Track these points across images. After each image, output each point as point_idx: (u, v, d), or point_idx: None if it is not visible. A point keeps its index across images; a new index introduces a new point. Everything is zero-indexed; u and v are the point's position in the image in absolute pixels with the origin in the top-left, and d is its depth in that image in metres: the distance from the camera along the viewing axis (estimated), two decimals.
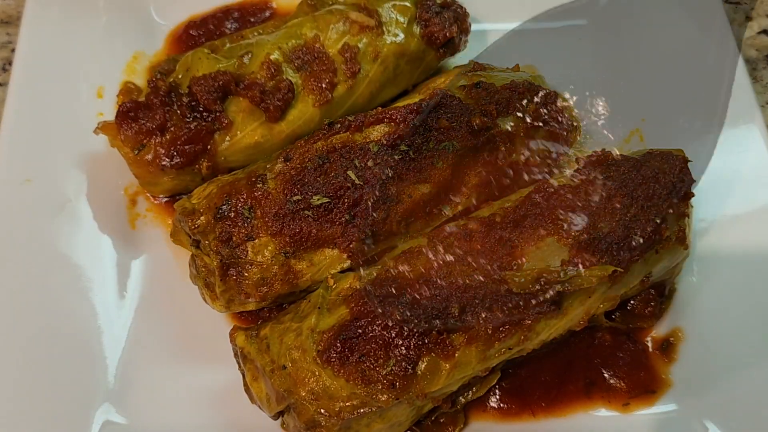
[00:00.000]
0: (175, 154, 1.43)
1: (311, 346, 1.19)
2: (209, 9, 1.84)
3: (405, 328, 1.18)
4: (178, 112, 1.45)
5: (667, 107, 1.68)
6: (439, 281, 1.21)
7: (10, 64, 1.76)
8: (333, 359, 1.17)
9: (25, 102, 1.56)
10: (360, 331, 1.19)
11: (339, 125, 1.42)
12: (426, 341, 1.18)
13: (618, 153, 1.39)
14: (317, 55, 1.50)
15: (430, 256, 1.25)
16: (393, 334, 1.18)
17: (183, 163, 1.44)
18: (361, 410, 1.16)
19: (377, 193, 1.35)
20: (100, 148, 1.57)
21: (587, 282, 1.22)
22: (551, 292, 1.21)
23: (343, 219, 1.33)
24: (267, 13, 1.85)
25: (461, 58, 1.67)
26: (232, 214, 1.33)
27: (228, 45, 1.56)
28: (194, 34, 1.81)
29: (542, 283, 1.21)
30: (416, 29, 1.56)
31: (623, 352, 1.42)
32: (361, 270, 1.28)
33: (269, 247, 1.32)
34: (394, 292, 1.21)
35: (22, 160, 1.51)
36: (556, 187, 1.33)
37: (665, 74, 1.71)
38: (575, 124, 1.57)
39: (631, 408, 1.38)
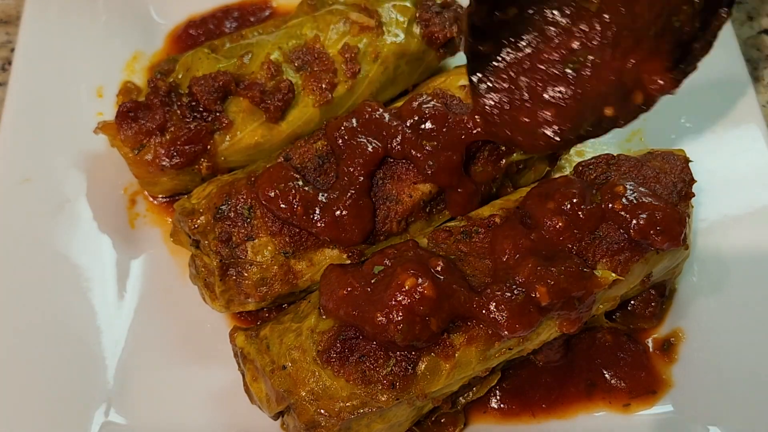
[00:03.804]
0: (174, 154, 1.43)
1: (311, 346, 1.19)
2: (209, 8, 1.84)
3: None
4: (178, 112, 1.45)
5: (667, 107, 1.68)
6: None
7: (9, 63, 1.75)
8: (333, 359, 1.17)
9: (25, 101, 1.56)
10: (360, 331, 1.19)
11: None
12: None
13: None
14: (317, 56, 1.50)
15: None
16: None
17: (183, 163, 1.44)
18: (361, 410, 1.16)
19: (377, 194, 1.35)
20: (99, 148, 1.57)
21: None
22: None
23: None
24: (267, 13, 1.85)
25: (461, 58, 1.66)
26: (232, 214, 1.33)
27: (228, 45, 1.56)
28: (194, 34, 1.81)
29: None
30: (416, 29, 1.56)
31: (624, 352, 1.42)
32: None
33: (269, 247, 1.32)
34: None
35: (22, 159, 1.51)
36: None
37: None
38: None
39: (631, 409, 1.38)
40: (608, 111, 1.22)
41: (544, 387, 1.39)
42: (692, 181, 1.36)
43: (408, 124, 1.35)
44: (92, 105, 1.64)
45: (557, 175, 1.43)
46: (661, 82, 1.18)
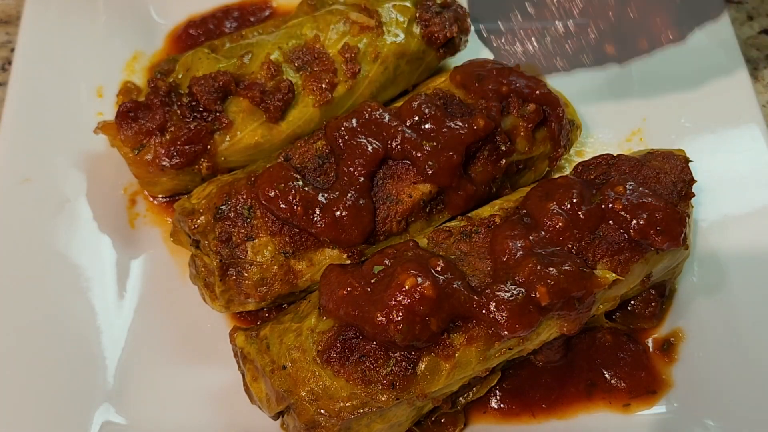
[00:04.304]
0: (174, 154, 1.43)
1: (311, 346, 1.19)
2: (209, 8, 1.84)
3: None
4: (178, 112, 1.45)
5: (667, 107, 1.68)
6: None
7: (9, 63, 1.76)
8: (333, 359, 1.17)
9: (25, 101, 1.56)
10: (360, 331, 1.18)
11: None
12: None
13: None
14: (317, 56, 1.50)
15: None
16: None
17: (183, 164, 1.44)
18: (361, 410, 1.16)
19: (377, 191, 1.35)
20: (99, 148, 1.57)
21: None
22: None
23: None
24: (267, 13, 1.85)
25: (461, 58, 1.67)
26: (232, 214, 1.33)
27: (228, 45, 1.56)
28: (194, 34, 1.81)
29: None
30: (416, 29, 1.56)
31: (624, 352, 1.41)
32: None
33: (269, 247, 1.32)
34: None
35: (22, 159, 1.51)
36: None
37: (666, 74, 1.71)
38: (576, 123, 1.57)
39: (632, 409, 1.38)
40: (609, 49, 1.34)
41: (544, 387, 1.39)
42: (692, 181, 1.36)
43: (408, 124, 1.35)
44: (92, 105, 1.64)
45: (557, 175, 1.43)
46: (670, 34, 1.29)
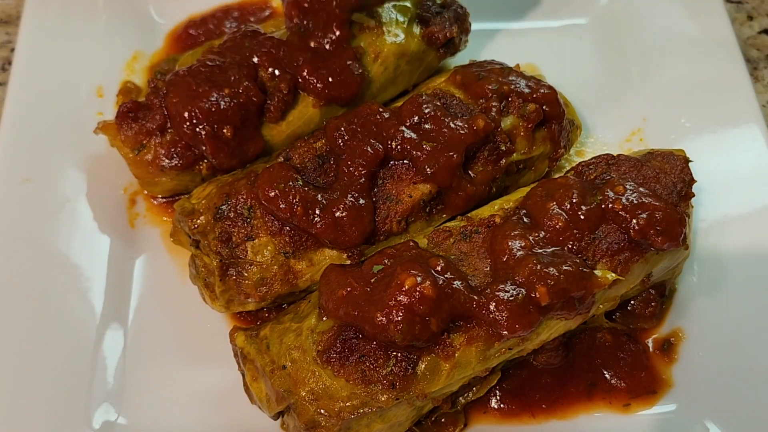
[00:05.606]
0: (174, 154, 1.43)
1: (311, 346, 1.19)
2: (209, 8, 1.84)
3: None
4: None
5: (667, 107, 1.68)
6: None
7: (9, 63, 1.76)
8: (333, 359, 1.17)
9: (25, 101, 1.56)
10: (360, 331, 1.18)
11: None
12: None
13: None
14: None
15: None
16: None
17: (183, 165, 1.44)
18: (361, 410, 1.16)
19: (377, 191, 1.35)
20: (99, 148, 1.57)
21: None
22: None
23: None
24: (266, 13, 1.85)
25: (461, 58, 1.67)
26: (232, 214, 1.33)
27: None
28: (194, 34, 1.81)
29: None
30: (416, 29, 1.56)
31: (624, 352, 1.42)
32: None
33: (269, 247, 1.32)
34: None
35: (22, 159, 1.51)
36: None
37: (666, 74, 1.71)
38: (576, 123, 1.57)
39: (632, 409, 1.38)
40: None
41: (544, 387, 1.39)
42: (692, 181, 1.36)
43: (408, 124, 1.35)
44: (92, 105, 1.64)
45: (557, 175, 1.43)
46: None
